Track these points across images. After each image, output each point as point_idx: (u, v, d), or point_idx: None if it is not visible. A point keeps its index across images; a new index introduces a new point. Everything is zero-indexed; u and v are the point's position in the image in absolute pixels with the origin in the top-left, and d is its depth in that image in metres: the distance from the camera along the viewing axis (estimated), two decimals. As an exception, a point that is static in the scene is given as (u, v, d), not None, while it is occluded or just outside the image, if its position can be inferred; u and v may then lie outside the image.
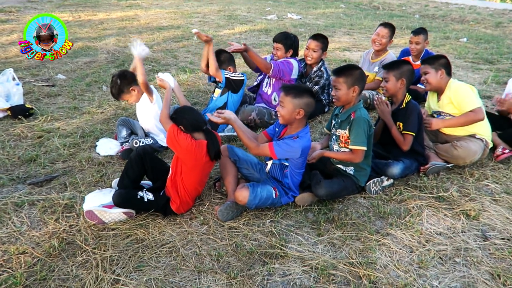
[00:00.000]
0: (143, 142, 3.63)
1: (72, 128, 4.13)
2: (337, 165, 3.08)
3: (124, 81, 3.54)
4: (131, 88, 3.57)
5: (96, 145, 3.74)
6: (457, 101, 3.35)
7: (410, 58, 4.90)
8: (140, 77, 3.38)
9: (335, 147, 3.05)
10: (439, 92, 3.52)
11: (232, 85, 4.02)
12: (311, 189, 2.94)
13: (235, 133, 3.93)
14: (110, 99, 4.95)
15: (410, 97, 3.26)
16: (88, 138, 3.92)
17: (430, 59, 3.47)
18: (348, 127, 2.91)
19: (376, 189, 3.08)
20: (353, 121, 2.87)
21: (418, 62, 4.79)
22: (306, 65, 4.59)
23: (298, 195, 2.92)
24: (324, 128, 3.42)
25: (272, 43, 4.26)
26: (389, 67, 3.29)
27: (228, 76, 4.00)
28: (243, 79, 4.06)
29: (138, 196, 2.70)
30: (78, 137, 3.94)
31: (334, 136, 3.10)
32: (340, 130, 3.00)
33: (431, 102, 3.69)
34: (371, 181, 3.05)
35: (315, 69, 4.47)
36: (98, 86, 5.51)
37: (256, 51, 7.67)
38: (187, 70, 6.27)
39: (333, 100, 3.00)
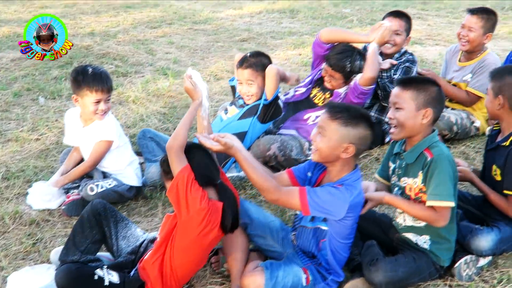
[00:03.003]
0: (102, 187, 3.67)
1: (-9, 165, 4.21)
2: (404, 234, 3.06)
3: (72, 81, 3.68)
4: (73, 96, 3.70)
5: (28, 193, 3.79)
6: None
7: None
8: (182, 137, 2.76)
9: None
10: None
11: (268, 110, 4.15)
12: (363, 273, 2.92)
13: (243, 174, 3.96)
14: (51, 118, 5.04)
15: None
16: (15, 181, 3.98)
17: None
18: (422, 173, 2.90)
19: (470, 273, 3.05)
20: (431, 162, 2.85)
21: None
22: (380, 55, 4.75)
23: (348, 282, 2.90)
24: (376, 175, 3.41)
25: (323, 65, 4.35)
26: (491, 73, 3.32)
27: (280, 96, 4.18)
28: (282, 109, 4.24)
29: (96, 276, 2.70)
30: (0, 178, 4.00)
31: (396, 188, 3.09)
32: (406, 178, 2.99)
33: None
34: (462, 260, 3.03)
35: (397, 55, 4.69)
36: (33, 97, 5.63)
37: (277, 44, 7.84)
38: (169, 73, 6.40)
39: (389, 128, 3.00)
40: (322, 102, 4.40)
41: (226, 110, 4.30)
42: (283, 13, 9.95)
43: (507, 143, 3.18)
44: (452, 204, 2.83)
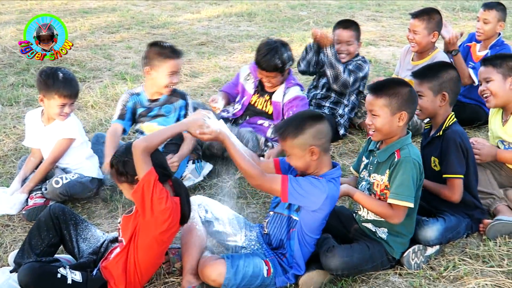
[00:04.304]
0: (66, 178, 3.73)
1: None
2: (364, 224, 3.19)
3: (42, 82, 3.73)
4: (40, 96, 3.78)
5: (-13, 199, 3.79)
6: None
7: (477, 47, 5.20)
8: (155, 143, 2.83)
9: None
10: (507, 110, 3.72)
11: None
12: (320, 260, 3.03)
13: (197, 180, 4.10)
14: (8, 125, 5.03)
15: (455, 119, 3.42)
16: (-26, 188, 3.96)
17: (496, 59, 3.66)
18: (389, 171, 3.05)
19: (418, 262, 3.20)
20: (398, 163, 3.01)
21: (484, 52, 5.07)
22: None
23: (303, 275, 3.01)
24: (351, 168, 3.56)
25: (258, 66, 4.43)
26: (422, 74, 3.46)
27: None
28: None
29: (59, 275, 2.74)
30: (-42, 185, 3.99)
31: (364, 183, 3.24)
32: (375, 175, 3.14)
33: (493, 124, 3.86)
34: (410, 249, 3.18)
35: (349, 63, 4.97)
36: (-11, 104, 5.59)
37: (235, 47, 7.93)
38: (127, 78, 6.44)
39: (369, 132, 3.14)
40: (265, 106, 4.58)
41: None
42: (240, 17, 10.04)
43: (440, 133, 3.38)
44: (410, 205, 2.98)
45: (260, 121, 4.59)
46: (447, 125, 3.37)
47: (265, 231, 3.15)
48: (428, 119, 3.57)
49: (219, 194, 3.92)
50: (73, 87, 3.75)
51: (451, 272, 3.15)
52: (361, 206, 3.21)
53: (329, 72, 4.71)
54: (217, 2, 11.43)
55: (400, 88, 3.05)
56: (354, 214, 3.29)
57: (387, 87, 3.07)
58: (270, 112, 4.57)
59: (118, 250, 2.88)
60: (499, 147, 3.79)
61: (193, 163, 4.16)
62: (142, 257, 2.82)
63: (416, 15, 4.90)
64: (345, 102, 4.92)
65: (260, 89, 4.61)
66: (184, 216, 2.86)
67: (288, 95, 4.48)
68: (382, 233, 3.13)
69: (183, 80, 6.49)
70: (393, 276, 3.13)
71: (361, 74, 4.85)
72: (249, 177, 2.87)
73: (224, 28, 9.17)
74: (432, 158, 3.41)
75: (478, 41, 5.18)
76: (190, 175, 4.09)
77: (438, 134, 3.39)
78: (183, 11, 10.62)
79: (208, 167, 4.24)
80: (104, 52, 7.54)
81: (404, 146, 3.04)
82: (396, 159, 3.01)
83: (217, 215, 3.13)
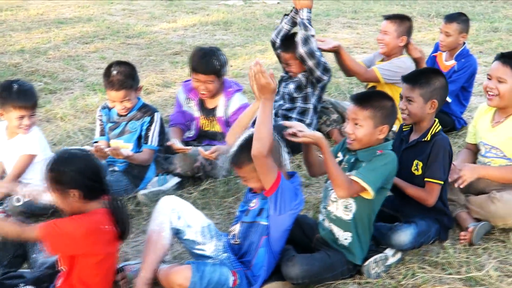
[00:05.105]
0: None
1: None
2: (329, 223, 3.18)
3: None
4: None
5: None
6: None
7: (443, 56, 5.29)
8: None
9: (335, 194, 3.15)
10: (503, 112, 3.71)
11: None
12: (281, 270, 3.04)
13: (165, 187, 4.11)
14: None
15: (440, 126, 3.48)
16: None
17: None
18: (365, 164, 3.07)
19: (379, 271, 3.22)
20: (380, 155, 3.06)
21: (451, 62, 5.18)
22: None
23: (263, 287, 3.03)
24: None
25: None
26: (414, 80, 3.48)
27: None
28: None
29: (15, 292, 2.75)
30: None
31: None
32: (349, 172, 3.12)
33: (481, 124, 3.85)
34: (372, 259, 3.20)
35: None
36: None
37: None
38: (97, 89, 6.43)
39: (347, 141, 3.15)
40: (212, 127, 4.60)
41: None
42: (216, 25, 10.08)
43: (428, 138, 3.42)
44: (369, 189, 2.94)
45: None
46: (434, 131, 3.42)
47: (236, 241, 3.15)
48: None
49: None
50: (28, 98, 3.75)
51: (409, 280, 3.17)
52: (331, 201, 3.18)
53: (300, 33, 4.68)
54: (194, 11, 11.47)
55: (385, 102, 3.10)
56: (323, 209, 3.26)
57: (373, 99, 3.11)
58: (220, 131, 4.57)
59: (61, 280, 2.83)
60: (480, 150, 3.83)
61: (157, 175, 4.21)
62: (90, 279, 2.80)
63: (388, 17, 5.03)
64: (311, 106, 4.97)
65: (203, 109, 4.56)
66: (121, 233, 2.85)
67: (232, 106, 4.46)
68: (345, 239, 3.14)
69: (155, 90, 6.51)
70: (351, 285, 3.15)
71: (323, 60, 4.86)
72: (262, 140, 2.82)
73: (199, 37, 9.21)
74: (416, 161, 3.43)
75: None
76: (150, 186, 4.15)
77: (425, 138, 3.43)
78: (159, 20, 10.64)
79: (174, 180, 4.23)
80: (77, 63, 7.54)
81: (386, 150, 3.09)
82: (378, 154, 3.05)
83: (190, 222, 3.09)
